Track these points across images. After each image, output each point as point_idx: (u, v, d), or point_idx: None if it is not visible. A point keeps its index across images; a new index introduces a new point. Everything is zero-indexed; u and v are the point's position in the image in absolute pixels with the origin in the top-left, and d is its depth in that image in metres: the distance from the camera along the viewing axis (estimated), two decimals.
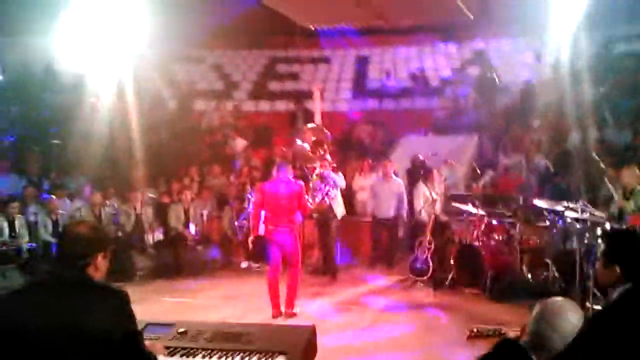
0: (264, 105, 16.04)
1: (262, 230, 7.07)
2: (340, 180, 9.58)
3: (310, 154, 9.24)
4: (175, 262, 10.03)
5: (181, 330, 3.32)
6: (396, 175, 10.25)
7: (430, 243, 8.69)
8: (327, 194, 8.91)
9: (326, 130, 9.87)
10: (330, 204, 9.11)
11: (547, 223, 7.78)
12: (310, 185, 8.52)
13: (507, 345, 2.56)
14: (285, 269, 7.12)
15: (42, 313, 2.42)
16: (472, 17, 8.39)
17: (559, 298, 2.65)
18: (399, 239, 10.25)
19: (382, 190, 9.95)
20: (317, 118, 11.45)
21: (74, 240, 2.58)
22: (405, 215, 10.01)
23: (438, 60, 16.58)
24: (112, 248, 2.82)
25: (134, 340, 2.53)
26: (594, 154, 9.69)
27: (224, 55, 17.92)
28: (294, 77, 17.03)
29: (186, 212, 10.50)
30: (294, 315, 6.96)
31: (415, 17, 10.08)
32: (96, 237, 2.63)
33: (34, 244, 9.31)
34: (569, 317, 2.48)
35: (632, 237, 2.98)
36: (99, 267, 2.61)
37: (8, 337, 2.42)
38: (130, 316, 2.52)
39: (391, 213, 9.88)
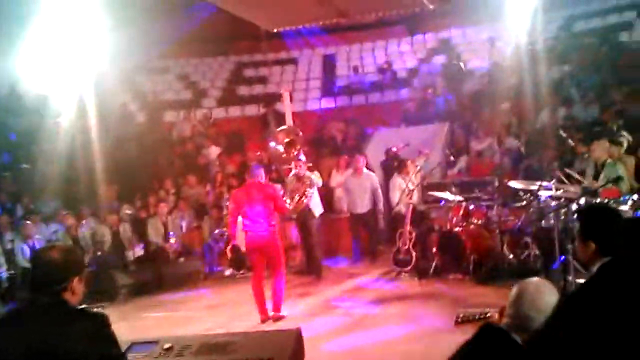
0: (234, 111, 15.96)
1: (241, 236, 7.01)
2: (316, 179, 9.58)
3: (284, 155, 9.23)
4: (158, 276, 9.90)
5: (167, 346, 3.29)
6: (369, 169, 10.27)
7: (410, 233, 8.72)
8: (304, 193, 8.91)
9: (298, 131, 9.87)
10: (307, 203, 9.10)
11: (524, 203, 7.87)
12: (287, 186, 8.51)
13: (488, 329, 2.59)
14: (269, 273, 7.10)
15: (19, 342, 2.39)
16: (431, 6, 8.45)
17: (535, 278, 2.70)
18: (379, 232, 10.28)
19: (355, 186, 9.96)
20: (288, 119, 11.44)
21: (47, 266, 2.54)
22: (382, 208, 10.04)
23: (404, 52, 16.69)
24: (88, 270, 2.78)
25: None
26: (562, 132, 9.83)
27: (188, 64, 17.80)
28: (262, 80, 16.98)
29: (165, 225, 10.43)
30: (282, 318, 6.93)
31: (377, 11, 10.10)
32: (70, 261, 2.58)
33: (12, 272, 9.17)
34: (546, 296, 2.53)
35: (604, 211, 2.98)
36: (75, 291, 2.57)
37: None
38: (109, 339, 2.49)
39: (366, 207, 9.89)
